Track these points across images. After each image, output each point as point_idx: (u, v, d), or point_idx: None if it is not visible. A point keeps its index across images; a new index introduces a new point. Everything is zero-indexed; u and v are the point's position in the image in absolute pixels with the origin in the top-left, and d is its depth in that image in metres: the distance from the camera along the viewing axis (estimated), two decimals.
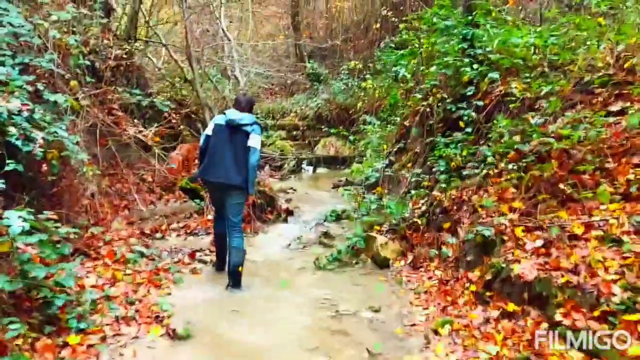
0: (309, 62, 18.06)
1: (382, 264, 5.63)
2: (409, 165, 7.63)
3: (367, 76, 15.36)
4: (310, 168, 13.76)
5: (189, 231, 6.87)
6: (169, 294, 4.77)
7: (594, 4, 7.17)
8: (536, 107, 6.16)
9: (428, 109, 7.79)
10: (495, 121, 6.04)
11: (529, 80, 6.22)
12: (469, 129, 6.81)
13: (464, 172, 6.02)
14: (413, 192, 7.03)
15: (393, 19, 16.03)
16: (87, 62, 7.00)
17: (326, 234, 7.02)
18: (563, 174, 4.91)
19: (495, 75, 6.61)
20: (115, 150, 7.87)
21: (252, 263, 5.84)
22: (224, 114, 5.23)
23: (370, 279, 5.32)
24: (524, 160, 5.30)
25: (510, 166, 5.31)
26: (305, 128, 15.66)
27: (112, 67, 8.55)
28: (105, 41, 8.18)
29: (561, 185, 4.80)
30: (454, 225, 5.71)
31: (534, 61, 6.59)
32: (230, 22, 19.31)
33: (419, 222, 5.81)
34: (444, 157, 6.77)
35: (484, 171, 5.79)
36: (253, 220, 7.38)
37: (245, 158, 4.95)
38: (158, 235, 6.61)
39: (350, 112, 15.50)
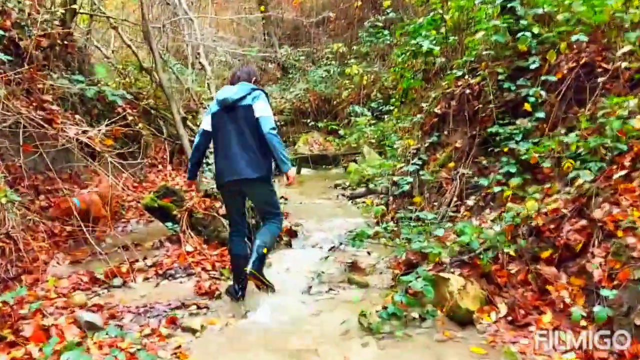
0: (280, 49, 16.00)
1: (463, 319, 3.75)
2: (451, 165, 5.77)
3: (352, 61, 13.48)
4: (294, 169, 11.75)
5: (161, 272, 4.81)
6: None
7: None
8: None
9: (468, 90, 5.96)
10: (608, 99, 4.22)
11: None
12: (539, 114, 5.02)
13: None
14: (470, 202, 5.19)
15: None
16: (4, 34, 4.86)
17: (354, 266, 5.10)
18: None
19: (582, 37, 4.82)
20: (53, 158, 5.76)
21: (259, 324, 3.90)
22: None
23: (459, 351, 3.39)
24: None
25: None
26: (283, 123, 13.62)
27: (45, 48, 6.37)
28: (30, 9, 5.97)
29: None
30: (558, 253, 3.89)
31: (633, 17, 4.83)
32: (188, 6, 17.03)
33: (509, 250, 3.93)
34: (512, 153, 4.98)
35: (589, 174, 3.98)
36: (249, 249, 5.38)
37: (258, 139, 3.98)
38: (117, 281, 4.53)
39: (334, 103, 13.59)
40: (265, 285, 4.23)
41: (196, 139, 4.28)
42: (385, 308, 3.80)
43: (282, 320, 3.96)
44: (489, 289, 4.00)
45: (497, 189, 4.76)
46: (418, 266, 4.51)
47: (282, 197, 8.44)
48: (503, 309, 3.79)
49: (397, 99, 7.96)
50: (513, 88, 5.38)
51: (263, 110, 3.98)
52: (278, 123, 13.63)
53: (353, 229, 6.08)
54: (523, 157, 4.72)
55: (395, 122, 8.56)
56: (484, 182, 4.96)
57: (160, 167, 8.91)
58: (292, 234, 6.15)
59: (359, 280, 4.74)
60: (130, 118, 7.43)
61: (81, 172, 6.39)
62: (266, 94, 4.16)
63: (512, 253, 3.93)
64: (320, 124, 12.84)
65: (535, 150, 4.49)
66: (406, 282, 3.96)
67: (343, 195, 8.78)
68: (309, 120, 13.42)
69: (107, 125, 5.56)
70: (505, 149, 5.06)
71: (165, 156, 9.08)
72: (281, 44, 16.84)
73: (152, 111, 9.50)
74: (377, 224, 6.55)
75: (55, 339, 3.06)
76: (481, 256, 4.02)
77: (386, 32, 13.67)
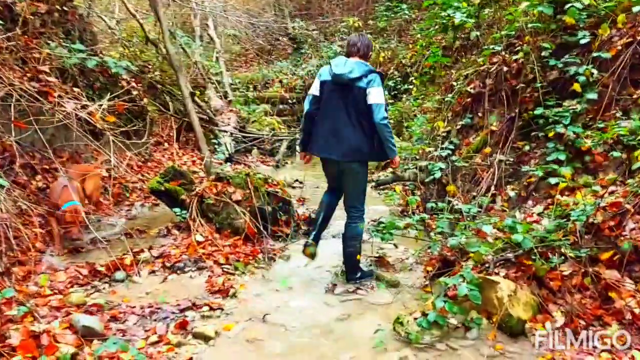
0: (292, 22, 15.32)
1: (515, 329, 3.27)
2: (486, 150, 5.25)
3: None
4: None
5: (169, 264, 4.34)
6: None
7: None
8: None
9: (506, 68, 5.42)
10: None
11: None
12: (591, 95, 4.48)
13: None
14: (511, 193, 4.68)
15: None
16: None
17: (381, 260, 4.63)
18: None
19: None
20: (52, 134, 5.30)
21: (280, 330, 3.43)
22: (330, 64, 4.01)
23: None
24: None
25: None
26: (295, 101, 12.99)
27: (42, 13, 5.84)
28: None
29: None
30: (620, 255, 3.39)
31: None
32: None
33: (568, 251, 3.44)
34: (558, 138, 4.47)
35: None
36: (265, 239, 4.92)
37: (365, 122, 3.87)
38: (119, 274, 4.07)
39: None
40: (369, 276, 4.30)
41: (306, 106, 4.14)
42: (425, 315, 3.32)
43: (306, 326, 3.49)
44: (541, 294, 3.52)
45: (551, 179, 4.24)
46: (454, 264, 4.06)
47: (296, 180, 7.99)
48: (559, 318, 3.30)
49: (417, 77, 7.36)
50: (560, 65, 4.84)
51: (377, 98, 3.82)
52: (289, 101, 13.07)
53: (377, 218, 5.61)
54: (576, 144, 4.21)
55: (414, 102, 7.96)
56: (535, 171, 4.42)
57: (166, 145, 8.41)
58: (311, 222, 5.66)
59: (387, 277, 4.27)
60: (134, 92, 6.90)
61: (82, 150, 5.90)
62: (382, 77, 3.99)
63: (571, 255, 3.43)
64: None
65: (602, 137, 3.95)
66: (445, 284, 3.48)
67: None
68: None
69: (109, 100, 5.05)
70: (551, 134, 4.55)
71: (171, 133, 8.57)
72: (293, 17, 16.15)
73: (158, 85, 8.97)
74: (402, 212, 6.07)
75: (45, 358, 2.59)
76: (533, 256, 3.52)
77: (404, 6, 13.02)
